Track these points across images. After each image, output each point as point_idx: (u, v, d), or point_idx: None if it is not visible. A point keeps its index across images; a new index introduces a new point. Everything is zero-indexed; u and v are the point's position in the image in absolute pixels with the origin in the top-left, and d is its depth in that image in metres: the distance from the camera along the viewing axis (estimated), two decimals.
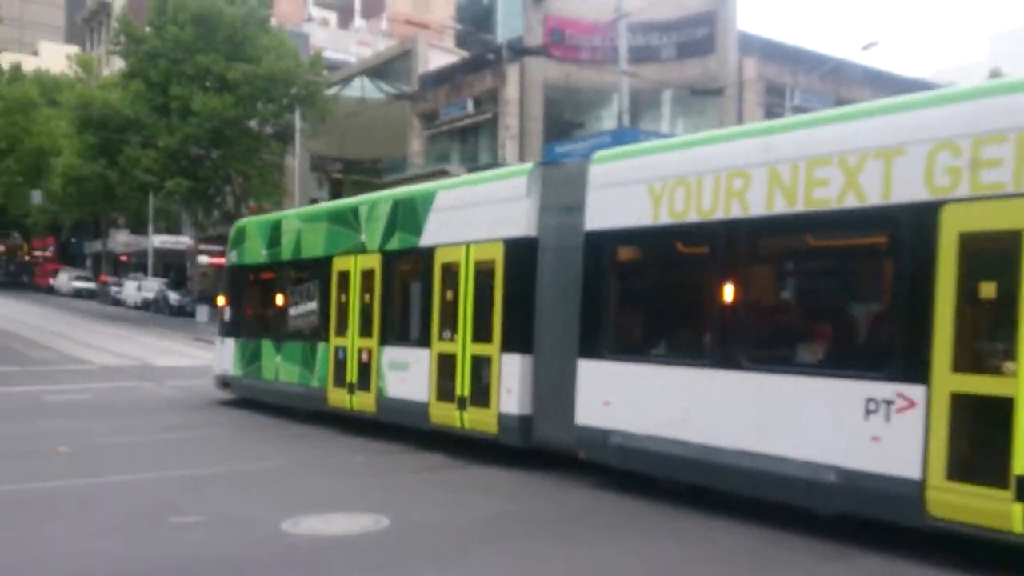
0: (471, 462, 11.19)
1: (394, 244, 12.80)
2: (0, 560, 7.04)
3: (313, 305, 14.66)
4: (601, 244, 9.64)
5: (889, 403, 7.02)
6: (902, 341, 7.10)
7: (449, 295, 11.59)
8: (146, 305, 47.84)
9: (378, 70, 44.93)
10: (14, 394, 18.27)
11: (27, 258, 76.30)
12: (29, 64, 64.98)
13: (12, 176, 28.54)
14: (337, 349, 13.82)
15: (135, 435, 13.60)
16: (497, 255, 10.83)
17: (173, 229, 57.01)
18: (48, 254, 75.40)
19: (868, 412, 7.14)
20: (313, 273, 14.73)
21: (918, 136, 7.09)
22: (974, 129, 6.73)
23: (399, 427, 12.54)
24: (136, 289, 49.69)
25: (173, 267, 57.50)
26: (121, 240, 62.90)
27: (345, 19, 68.78)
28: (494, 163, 32.16)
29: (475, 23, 52.73)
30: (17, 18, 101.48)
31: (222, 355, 17.49)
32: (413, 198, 12.72)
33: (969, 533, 6.61)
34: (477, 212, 11.38)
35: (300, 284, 15.16)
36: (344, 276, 13.78)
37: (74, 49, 70.86)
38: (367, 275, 13.28)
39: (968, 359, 6.70)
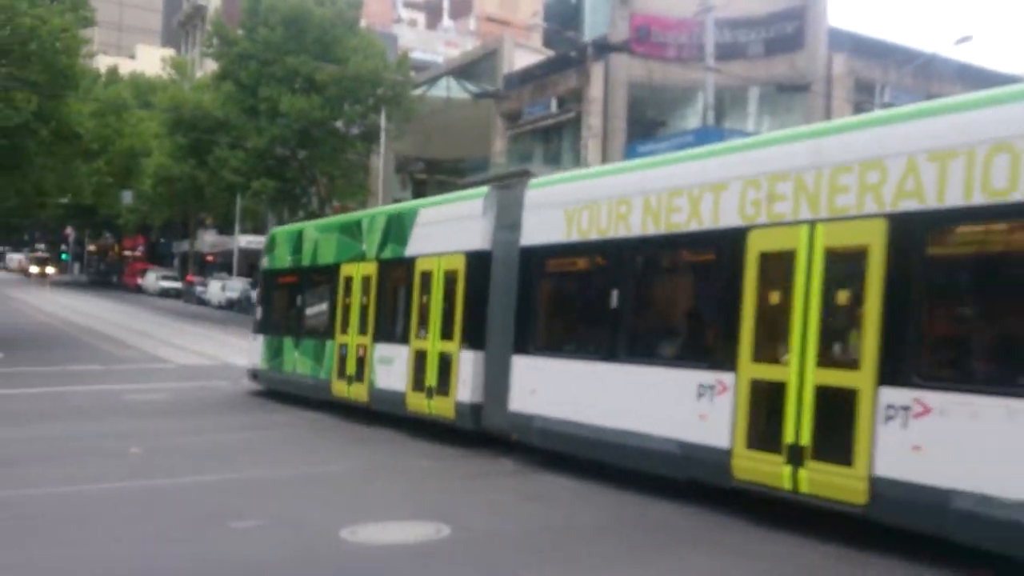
0: (538, 469, 10.87)
1: (387, 254, 14.55)
2: (61, 562, 7.02)
3: (324, 306, 16.54)
4: (531, 257, 11.50)
5: (712, 388, 8.70)
6: (722, 338, 8.78)
7: (424, 299, 13.34)
8: (230, 305, 48.15)
9: (464, 70, 44.94)
10: (96, 392, 18.60)
11: (117, 258, 78.73)
12: (126, 67, 67.10)
13: (103, 177, 29.54)
14: (341, 346, 15.55)
15: (206, 435, 13.69)
16: (460, 266, 12.54)
17: (260, 229, 58.16)
18: (138, 254, 77.43)
19: (699, 395, 8.80)
20: (325, 278, 16.50)
21: (735, 174, 8.86)
22: (768, 169, 8.53)
23: (452, 429, 12.68)
24: (220, 289, 50.15)
25: (258, 267, 58.44)
26: (208, 240, 64.33)
27: (433, 20, 69.20)
28: (577, 163, 31.76)
29: (562, 22, 52.38)
30: (116, 22, 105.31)
31: (253, 350, 19.42)
32: (402, 214, 14.57)
33: (758, 491, 8.31)
34: (447, 228, 13.11)
35: (315, 287, 17.11)
36: (348, 281, 15.51)
37: (169, 52, 72.98)
38: (366, 281, 15.01)
39: (761, 352, 8.37)
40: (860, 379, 7.45)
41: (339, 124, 38.16)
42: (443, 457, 11.89)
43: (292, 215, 40.16)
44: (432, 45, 60.08)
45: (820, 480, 7.72)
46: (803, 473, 7.84)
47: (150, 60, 73.28)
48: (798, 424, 7.90)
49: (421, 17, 68.98)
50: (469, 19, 65.31)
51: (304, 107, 36.18)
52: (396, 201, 42.17)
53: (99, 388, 19.21)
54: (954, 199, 7.07)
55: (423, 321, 13.28)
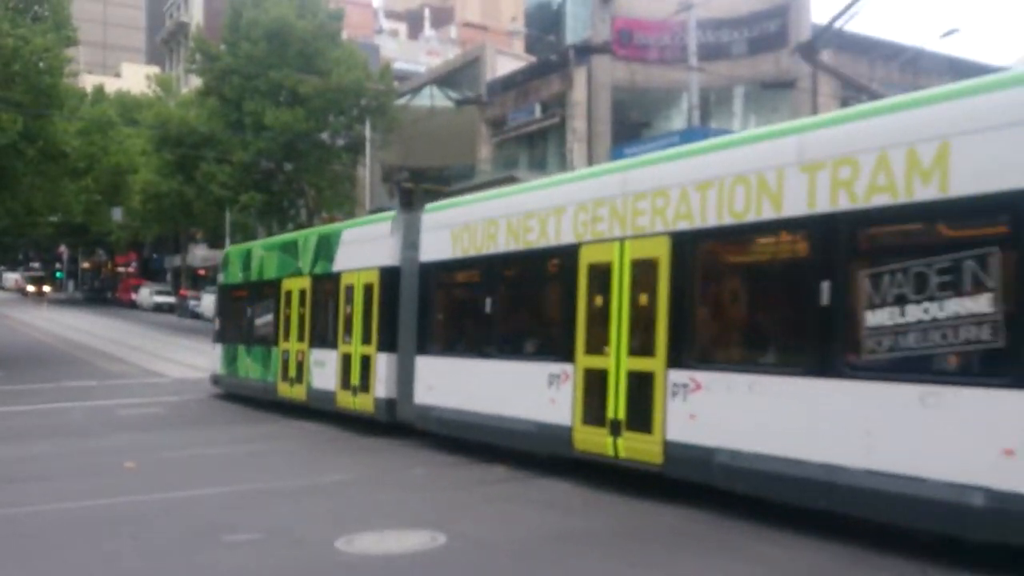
0: (533, 475, 10.90)
1: (318, 270, 16.43)
2: None
3: (270, 317, 18.32)
4: (427, 272, 13.44)
5: (559, 377, 10.62)
6: (565, 336, 10.65)
7: (348, 309, 15.12)
8: None
9: (447, 78, 45.03)
10: (91, 408, 18.66)
11: (111, 274, 78.65)
12: (112, 85, 67.07)
13: (91, 194, 29.66)
14: (284, 351, 17.50)
15: (201, 448, 13.73)
16: (375, 279, 14.41)
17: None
18: (131, 270, 77.42)
19: (550, 384, 10.72)
20: (270, 291, 18.41)
21: (570, 200, 10.87)
22: (593, 196, 10.51)
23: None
24: (213, 302, 50.25)
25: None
26: (199, 254, 64.31)
27: (415, 30, 69.26)
28: (563, 167, 31.88)
29: (543, 28, 52.57)
30: (100, 42, 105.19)
31: (213, 358, 21.39)
32: (329, 234, 16.46)
33: (592, 459, 10.23)
34: (365, 247, 14.98)
35: (262, 300, 18.95)
36: (288, 294, 17.41)
37: (154, 70, 72.88)
38: (303, 294, 16.92)
39: (591, 346, 10.26)
40: (656, 364, 9.38)
41: (324, 136, 38.14)
42: (438, 465, 11.94)
43: (281, 227, 40.09)
44: (414, 55, 60.14)
45: (632, 447, 9.61)
46: (621, 442, 9.74)
47: (135, 78, 73.13)
48: (616, 402, 9.86)
49: (403, 27, 69.02)
50: (450, 28, 65.43)
51: (289, 120, 36.17)
52: (383, 210, 41.96)
53: (94, 404, 19.26)
54: (712, 220, 9.03)
55: (348, 328, 15.14)
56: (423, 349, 13.32)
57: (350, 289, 15.15)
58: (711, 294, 9.61)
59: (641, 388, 9.52)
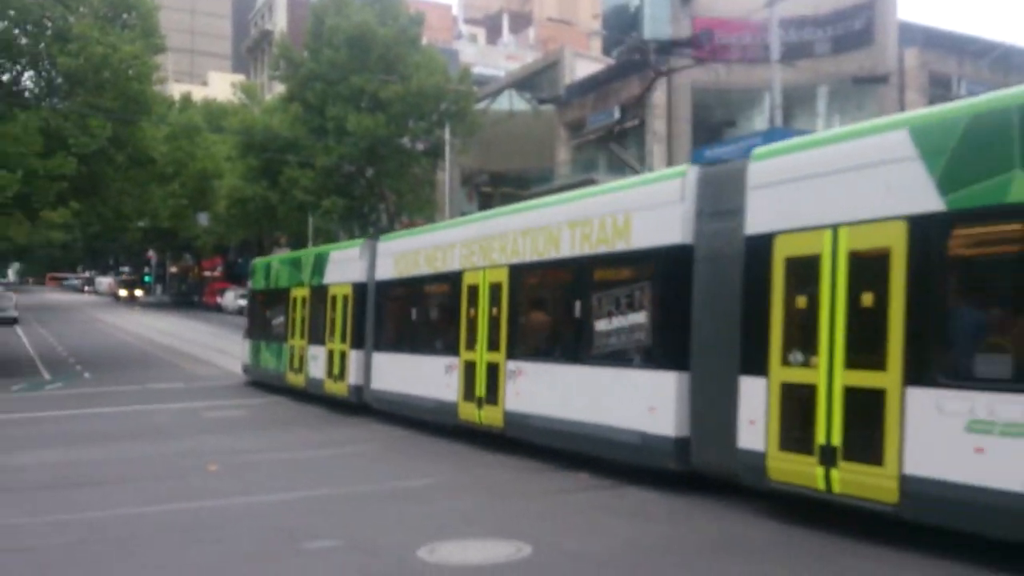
0: (618, 483, 10.58)
1: (315, 282, 20.20)
2: None
3: (282, 319, 22.16)
4: (380, 287, 17.57)
5: (451, 367, 14.30)
6: (453, 336, 14.38)
7: (332, 315, 19.00)
8: None
9: (525, 82, 44.91)
10: (177, 411, 19.02)
11: (197, 278, 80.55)
12: (198, 93, 68.84)
13: (178, 199, 30.38)
14: (291, 347, 21.31)
15: (283, 452, 13.79)
16: (349, 292, 18.36)
17: None
18: (216, 274, 79.18)
19: (446, 372, 14.39)
20: (281, 298, 22.21)
21: (457, 239, 14.83)
22: (470, 237, 14.43)
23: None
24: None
25: None
26: None
27: (493, 35, 69.45)
28: (643, 169, 31.38)
29: (622, 31, 52.03)
30: (189, 50, 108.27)
31: (243, 351, 25.34)
32: (323, 254, 20.39)
33: (470, 426, 13.85)
34: (345, 265, 18.88)
35: (277, 305, 22.67)
36: (295, 301, 21.28)
37: (239, 77, 74.56)
38: (304, 300, 20.76)
39: (468, 344, 13.94)
40: (499, 357, 13.23)
41: (405, 140, 38.38)
42: (522, 470, 11.72)
43: (362, 232, 40.52)
44: (493, 60, 60.25)
45: (485, 415, 13.44)
46: (482, 412, 13.56)
47: (221, 86, 74.99)
48: (480, 384, 13.59)
49: (482, 33, 69.26)
50: (529, 32, 65.36)
51: (370, 125, 36.50)
52: (463, 214, 42.19)
53: (180, 406, 19.63)
54: (529, 257, 12.89)
55: (332, 330, 19.01)
56: (377, 347, 17.42)
57: (334, 298, 19.03)
58: (523, 309, 13.25)
59: (493, 374, 13.30)
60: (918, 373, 7.34)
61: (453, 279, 14.56)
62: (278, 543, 8.11)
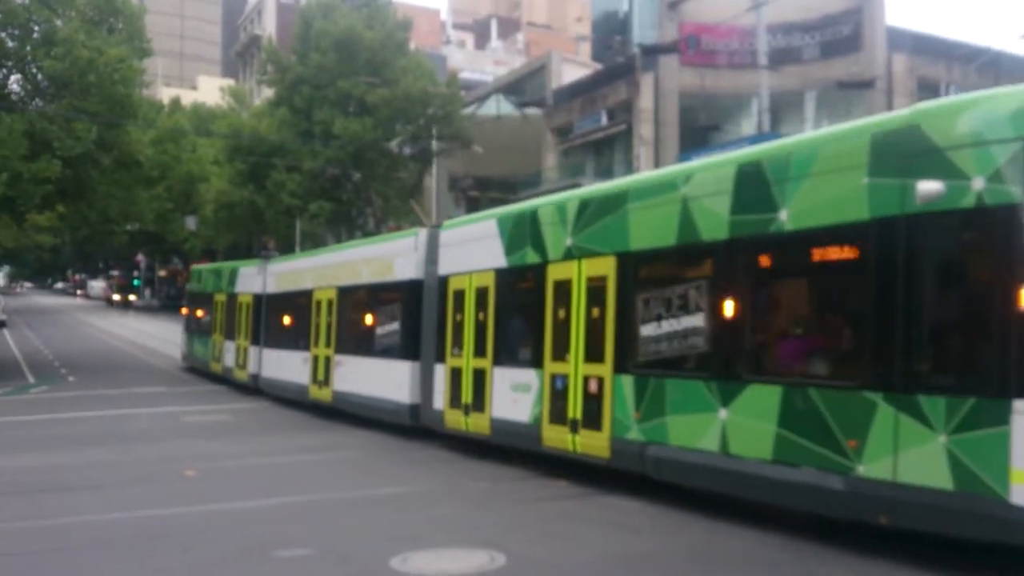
0: (596, 491, 10.52)
1: (230, 289, 25.48)
2: None
3: (208, 318, 27.46)
4: (269, 298, 22.51)
5: (307, 359, 19.19)
6: (307, 337, 19.31)
7: (239, 316, 24.32)
8: None
9: (513, 87, 44.88)
10: (158, 415, 18.92)
11: (186, 282, 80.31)
12: (188, 97, 68.68)
13: (163, 203, 30.31)
14: (213, 341, 26.40)
15: (263, 457, 13.70)
16: (250, 300, 23.51)
17: None
18: None
19: (303, 363, 19.37)
20: (208, 300, 27.33)
21: (309, 266, 20.38)
22: (319, 264, 20.03)
23: (507, 448, 12.66)
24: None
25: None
26: None
27: (482, 40, 69.49)
28: (629, 174, 31.38)
29: (610, 36, 52.04)
30: (177, 54, 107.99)
31: (182, 343, 30.91)
32: (235, 268, 25.57)
33: (315, 403, 18.77)
34: (247, 279, 24.08)
35: (205, 306, 27.79)
36: (216, 304, 26.50)
37: (229, 82, 74.37)
38: (222, 304, 25.91)
39: (314, 343, 18.95)
40: (330, 351, 18.13)
41: (392, 145, 38.27)
42: (501, 479, 11.64)
43: (349, 235, 40.40)
44: (481, 65, 60.27)
45: (323, 394, 18.27)
46: (321, 392, 18.36)
47: (211, 90, 74.77)
48: (321, 371, 18.37)
49: (470, 38, 69.29)
50: (517, 38, 65.39)
51: (357, 129, 36.40)
52: (450, 218, 41.83)
53: (161, 410, 19.53)
54: (345, 281, 18.07)
55: (239, 329, 24.01)
56: (266, 344, 22.29)
57: (241, 304, 24.06)
58: (347, 318, 17.95)
59: (327, 363, 18.18)
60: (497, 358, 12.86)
61: (307, 295, 19.56)
62: (249, 551, 8.01)
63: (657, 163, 32.93)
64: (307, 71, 38.48)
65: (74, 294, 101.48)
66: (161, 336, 43.63)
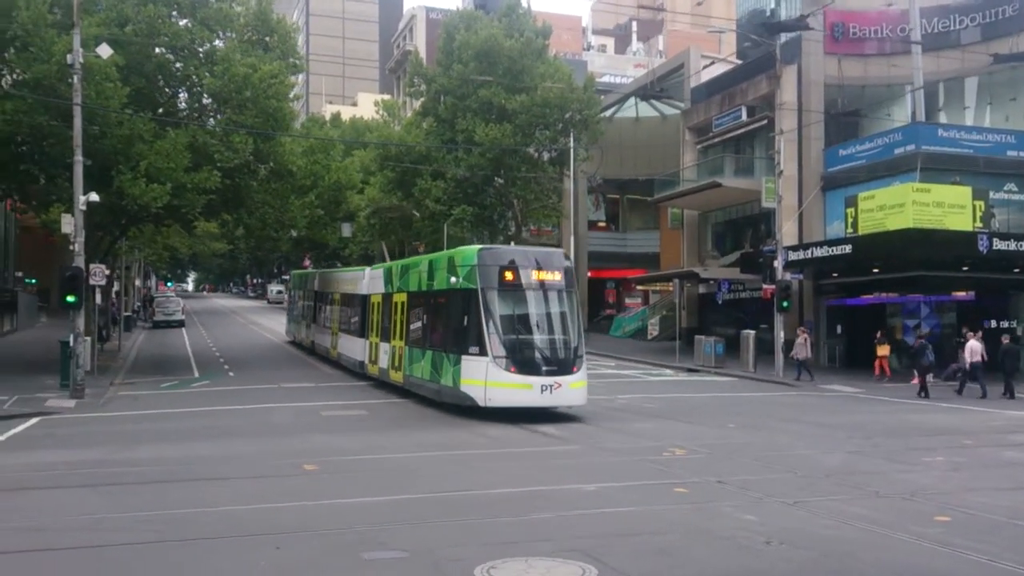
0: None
1: (320, 290, 35.88)
2: None
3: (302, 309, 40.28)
4: (382, 297, 26.82)
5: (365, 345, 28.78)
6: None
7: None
8: None
9: (651, 88, 44.55)
10: (299, 409, 19.67)
11: None
12: (347, 113, 72.37)
13: (314, 210, 32.15)
14: (322, 329, 34.77)
15: (383, 453, 13.91)
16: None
17: None
18: None
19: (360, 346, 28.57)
20: (303, 295, 39.94)
21: (377, 274, 27.55)
22: (376, 275, 27.55)
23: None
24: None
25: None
26: None
27: (622, 44, 69.34)
28: (771, 171, 30.58)
29: (756, 34, 50.78)
30: (340, 74, 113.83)
31: (287, 327, 44.43)
32: (305, 276, 41.48)
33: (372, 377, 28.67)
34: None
35: (300, 301, 40.51)
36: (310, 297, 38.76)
37: (384, 97, 77.36)
38: (336, 301, 33.61)
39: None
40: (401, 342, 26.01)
41: (531, 149, 38.85)
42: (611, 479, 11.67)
43: (492, 238, 41.22)
44: (622, 68, 60.11)
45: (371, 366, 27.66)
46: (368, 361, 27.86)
47: (368, 105, 78.08)
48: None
49: (611, 43, 69.29)
50: (658, 39, 64.85)
51: (497, 135, 37.14)
52: (590, 221, 42.17)
53: (303, 405, 20.32)
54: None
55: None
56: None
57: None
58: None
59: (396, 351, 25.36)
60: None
61: (370, 296, 26.54)
62: (338, 551, 8.00)
63: (800, 157, 31.95)
64: (450, 82, 39.62)
65: (249, 296, 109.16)
66: None
